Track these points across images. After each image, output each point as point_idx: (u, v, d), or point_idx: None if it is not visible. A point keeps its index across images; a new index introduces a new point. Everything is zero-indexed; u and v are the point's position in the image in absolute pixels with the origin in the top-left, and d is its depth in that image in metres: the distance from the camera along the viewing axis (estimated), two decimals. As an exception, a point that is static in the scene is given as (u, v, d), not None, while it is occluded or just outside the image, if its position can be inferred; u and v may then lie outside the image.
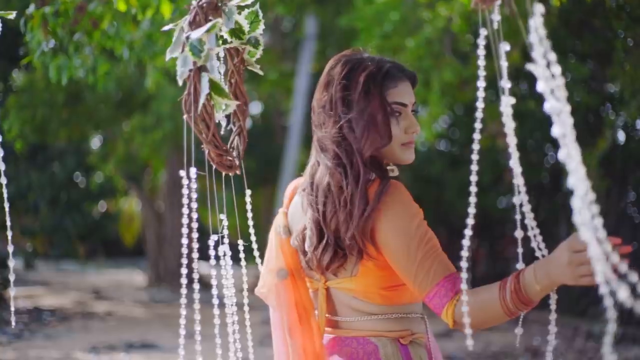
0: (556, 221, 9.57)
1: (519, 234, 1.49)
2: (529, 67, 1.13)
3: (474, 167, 1.37)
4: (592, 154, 7.99)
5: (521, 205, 1.44)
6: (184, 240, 1.62)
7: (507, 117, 1.30)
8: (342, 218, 1.67)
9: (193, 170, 1.61)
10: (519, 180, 1.36)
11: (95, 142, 15.34)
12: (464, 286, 1.49)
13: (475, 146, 1.36)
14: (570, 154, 1.06)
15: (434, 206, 12.02)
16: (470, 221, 1.41)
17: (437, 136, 9.17)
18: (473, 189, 1.40)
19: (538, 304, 1.54)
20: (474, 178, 1.38)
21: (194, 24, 1.56)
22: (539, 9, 0.98)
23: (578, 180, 1.04)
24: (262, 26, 1.68)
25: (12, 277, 1.56)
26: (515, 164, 1.34)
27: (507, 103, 1.29)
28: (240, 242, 1.81)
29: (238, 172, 1.72)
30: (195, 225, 1.62)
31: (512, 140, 1.32)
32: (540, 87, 1.07)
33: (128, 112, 11.03)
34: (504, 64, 1.27)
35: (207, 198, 1.67)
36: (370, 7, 7.16)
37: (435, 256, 1.63)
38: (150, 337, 7.99)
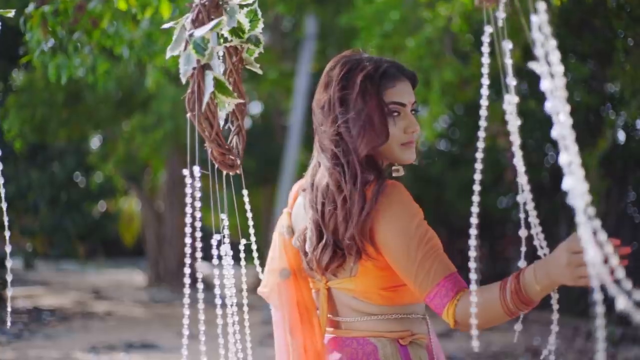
0: (556, 221, 9.56)
1: (522, 232, 1.49)
2: (531, 65, 1.12)
3: (479, 166, 1.36)
4: (593, 154, 7.99)
5: (524, 204, 1.44)
6: (187, 240, 1.62)
7: (511, 115, 1.29)
8: (341, 218, 1.68)
9: (197, 169, 1.61)
10: (522, 179, 1.36)
11: (95, 142, 15.34)
12: (473, 287, 1.49)
13: (480, 144, 1.36)
14: (570, 155, 1.05)
15: (434, 206, 12.01)
16: (474, 220, 1.40)
17: (438, 136, 9.16)
18: (477, 187, 1.39)
19: (538, 304, 1.54)
20: (477, 177, 1.38)
21: (197, 22, 1.56)
22: (542, 6, 0.98)
23: (577, 181, 1.03)
24: (261, 24, 1.68)
25: (9, 278, 1.56)
26: (518, 162, 1.34)
27: (510, 101, 1.29)
28: (242, 241, 1.80)
29: (239, 171, 1.72)
30: (198, 224, 1.61)
31: (515, 139, 1.31)
32: (544, 85, 1.06)
33: (128, 112, 11.02)
34: (509, 61, 1.26)
35: (207, 198, 1.67)
36: (370, 7, 7.15)
37: (436, 256, 1.63)
38: (150, 337, 7.98)
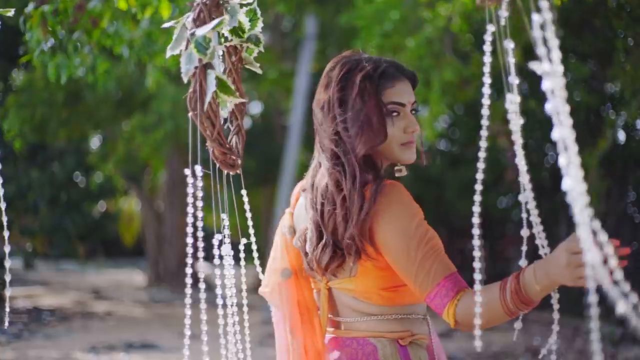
0: (556, 221, 9.56)
1: (524, 232, 1.49)
2: (532, 65, 1.12)
3: (481, 165, 1.36)
4: (593, 154, 7.99)
5: (526, 203, 1.44)
6: (189, 240, 1.61)
7: (513, 114, 1.29)
8: (340, 218, 1.68)
9: (199, 168, 1.60)
10: (524, 178, 1.35)
11: (95, 142, 15.34)
12: (477, 287, 1.49)
13: (483, 143, 1.35)
14: (569, 157, 1.05)
15: (434, 206, 12.01)
16: (476, 220, 1.40)
17: (438, 136, 9.16)
18: (478, 187, 1.39)
19: (538, 304, 1.54)
20: (480, 176, 1.38)
21: (198, 21, 1.55)
22: (545, 4, 0.97)
23: (576, 182, 1.03)
24: (260, 24, 1.68)
25: (8, 278, 1.55)
26: (520, 161, 1.34)
27: (512, 100, 1.28)
28: (242, 240, 1.80)
29: (239, 171, 1.72)
30: (200, 224, 1.61)
31: (517, 138, 1.31)
32: (546, 85, 1.06)
33: (128, 112, 11.02)
34: (512, 60, 1.26)
35: (207, 198, 1.66)
36: (370, 6, 7.14)
37: (436, 256, 1.62)
38: (149, 337, 7.98)
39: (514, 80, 1.30)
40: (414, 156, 1.77)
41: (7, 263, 1.55)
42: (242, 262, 1.80)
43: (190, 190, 1.60)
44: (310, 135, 1.83)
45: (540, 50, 0.97)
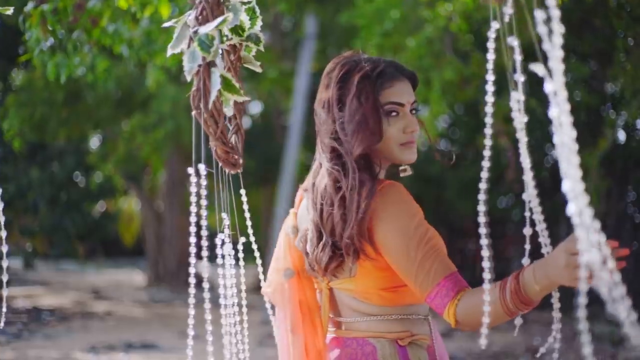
0: (556, 221, 9.55)
1: (527, 230, 1.49)
2: (533, 67, 1.11)
3: (486, 164, 1.35)
4: (593, 153, 7.98)
5: (529, 202, 1.43)
6: (192, 239, 1.60)
7: (518, 112, 1.29)
8: (338, 218, 1.68)
9: (202, 167, 1.60)
10: (528, 176, 1.35)
11: (95, 142, 15.34)
12: (486, 286, 1.48)
13: (488, 142, 1.35)
14: (569, 159, 1.04)
15: (434, 206, 12.01)
16: (482, 219, 1.39)
17: (438, 135, 9.16)
18: (483, 185, 1.38)
19: (538, 304, 1.54)
20: (485, 175, 1.37)
21: (201, 19, 1.54)
22: (552, 1, 0.97)
23: (574, 183, 1.02)
24: (259, 22, 1.67)
25: (5, 278, 1.54)
26: (524, 159, 1.33)
27: (517, 98, 1.28)
28: (241, 239, 1.79)
29: (240, 170, 1.71)
30: (204, 223, 1.60)
31: (522, 136, 1.30)
32: (548, 88, 1.05)
33: (128, 112, 11.02)
34: (518, 57, 1.25)
35: (208, 197, 1.65)
36: (370, 5, 7.14)
37: (436, 256, 1.62)
38: (149, 337, 7.98)
39: (520, 78, 1.29)
40: (414, 156, 1.77)
41: (5, 263, 1.54)
42: (241, 262, 1.79)
43: (193, 189, 1.59)
44: (310, 135, 1.83)
45: (547, 45, 0.97)
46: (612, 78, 8.15)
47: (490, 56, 1.34)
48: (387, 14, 6.86)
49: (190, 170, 1.59)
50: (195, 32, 1.53)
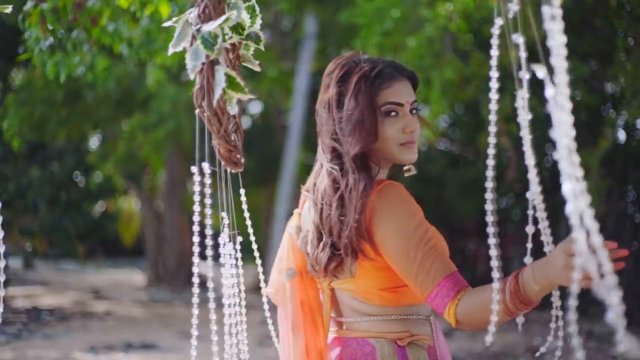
0: (556, 221, 9.55)
1: (529, 229, 1.48)
2: (534, 67, 1.10)
3: (490, 162, 1.35)
4: (593, 153, 7.97)
5: (533, 200, 1.42)
6: (195, 239, 1.60)
7: (522, 109, 1.28)
8: (336, 218, 1.68)
9: (206, 165, 1.59)
10: (532, 173, 1.34)
11: (95, 142, 15.33)
12: (495, 285, 1.47)
13: (492, 139, 1.35)
14: (569, 159, 1.03)
15: (434, 206, 12.00)
16: (490, 218, 1.39)
17: (439, 135, 9.15)
18: (489, 184, 1.38)
19: (539, 304, 1.53)
20: (490, 173, 1.37)
21: (203, 17, 1.54)
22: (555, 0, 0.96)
23: (573, 184, 1.01)
24: (259, 20, 1.67)
25: (2, 278, 1.54)
26: (529, 158, 1.32)
27: (521, 96, 1.27)
28: (239, 239, 1.79)
29: (241, 169, 1.71)
30: (209, 221, 1.59)
31: (526, 134, 1.30)
32: (549, 92, 1.04)
33: (128, 111, 11.01)
34: (523, 54, 1.24)
35: (209, 196, 1.65)
36: (371, 4, 7.14)
37: (436, 256, 1.62)
38: (149, 337, 7.97)
39: (525, 75, 1.29)
40: (414, 156, 1.76)
41: (3, 263, 1.53)
42: (240, 262, 1.79)
43: (197, 188, 1.58)
44: (310, 135, 1.83)
45: (551, 42, 0.96)
46: (612, 78, 8.14)
47: (494, 52, 1.34)
48: (388, 13, 6.86)
49: (194, 169, 1.58)
50: (198, 30, 1.52)
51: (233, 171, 1.70)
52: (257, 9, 1.67)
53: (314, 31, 10.61)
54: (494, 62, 1.34)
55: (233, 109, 1.58)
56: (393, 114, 1.73)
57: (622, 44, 6.59)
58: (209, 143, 1.61)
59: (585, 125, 8.56)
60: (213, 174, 1.64)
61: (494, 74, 1.35)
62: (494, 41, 1.32)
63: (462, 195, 11.01)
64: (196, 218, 1.59)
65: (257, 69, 1.73)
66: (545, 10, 0.95)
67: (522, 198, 10.34)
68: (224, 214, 1.70)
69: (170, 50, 1.60)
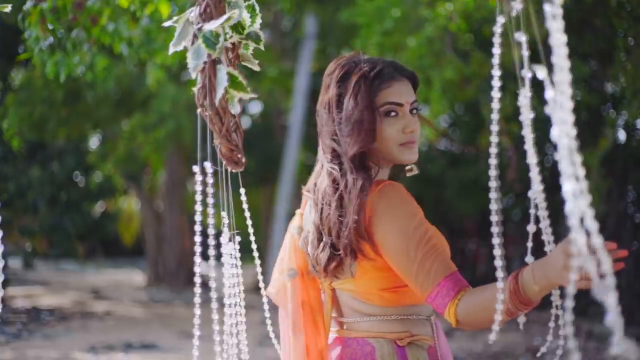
0: (556, 220, 9.54)
1: (531, 227, 1.48)
2: (535, 68, 1.10)
3: (493, 161, 1.35)
4: (593, 153, 7.97)
5: (535, 199, 1.42)
6: (197, 238, 1.59)
7: (525, 108, 1.28)
8: (335, 218, 1.68)
9: (208, 165, 1.59)
10: (534, 172, 1.34)
11: (95, 141, 15.33)
12: (499, 284, 1.47)
13: (494, 138, 1.34)
14: (571, 161, 1.03)
15: (434, 206, 12.00)
16: (494, 218, 1.39)
17: (439, 135, 9.15)
18: (493, 183, 1.37)
19: (539, 304, 1.53)
20: (493, 173, 1.36)
21: (204, 15, 1.53)
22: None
23: (572, 184, 1.01)
24: (259, 20, 1.66)
25: (1, 278, 1.53)
26: (531, 157, 1.32)
27: (524, 94, 1.27)
28: (237, 239, 1.78)
29: (242, 168, 1.71)
30: (212, 221, 1.59)
31: (528, 133, 1.29)
32: (550, 94, 1.04)
33: (128, 111, 11.00)
34: (525, 53, 1.24)
35: (210, 196, 1.64)
36: (371, 4, 7.13)
37: (436, 256, 1.62)
38: (149, 337, 7.97)
39: (527, 74, 1.28)
40: (414, 156, 1.76)
41: (1, 263, 1.53)
42: (239, 262, 1.78)
43: (199, 187, 1.58)
44: (310, 135, 1.83)
45: (553, 40, 0.96)
46: (612, 78, 8.14)
47: (497, 51, 1.33)
48: (388, 13, 6.85)
49: (196, 168, 1.58)
50: (200, 29, 1.51)
51: (234, 171, 1.70)
52: (257, 8, 1.67)
53: (314, 31, 10.61)
54: (496, 61, 1.33)
55: (235, 108, 1.58)
56: (393, 114, 1.73)
57: (622, 44, 6.58)
58: (210, 142, 1.60)
59: (585, 125, 8.56)
60: (214, 174, 1.64)
61: (496, 72, 1.34)
62: (496, 39, 1.31)
63: (462, 195, 11.00)
64: (198, 217, 1.59)
65: (257, 68, 1.73)
66: (547, 8, 0.95)
67: (522, 198, 10.32)
68: (224, 214, 1.70)
69: (171, 50, 1.59)
